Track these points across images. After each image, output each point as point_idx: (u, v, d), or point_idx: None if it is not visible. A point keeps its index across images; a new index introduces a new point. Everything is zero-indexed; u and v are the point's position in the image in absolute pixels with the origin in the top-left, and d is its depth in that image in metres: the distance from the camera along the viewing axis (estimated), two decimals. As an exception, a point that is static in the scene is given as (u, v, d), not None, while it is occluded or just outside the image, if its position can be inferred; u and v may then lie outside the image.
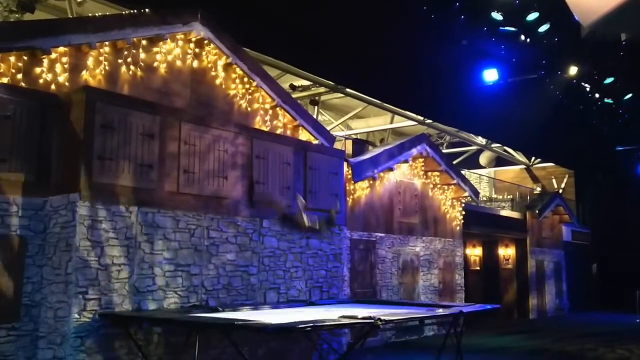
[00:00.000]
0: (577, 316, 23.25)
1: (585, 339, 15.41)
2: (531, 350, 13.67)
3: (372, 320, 7.22)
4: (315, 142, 12.55)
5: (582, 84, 16.30)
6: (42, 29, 8.77)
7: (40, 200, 8.37)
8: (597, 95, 16.78)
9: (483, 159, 28.37)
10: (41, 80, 8.76)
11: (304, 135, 12.51)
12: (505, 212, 22.23)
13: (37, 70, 8.75)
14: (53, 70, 8.90)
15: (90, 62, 9.30)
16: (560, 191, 26.82)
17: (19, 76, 8.53)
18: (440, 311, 9.33)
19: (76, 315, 7.74)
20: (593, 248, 28.13)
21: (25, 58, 8.62)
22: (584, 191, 28.26)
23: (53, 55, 8.86)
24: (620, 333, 17.19)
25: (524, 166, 28.88)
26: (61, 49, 8.93)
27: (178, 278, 9.03)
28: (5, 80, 8.39)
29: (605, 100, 17.08)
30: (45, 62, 8.81)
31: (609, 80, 15.87)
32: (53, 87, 8.85)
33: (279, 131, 12.06)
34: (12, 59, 8.49)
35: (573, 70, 15.36)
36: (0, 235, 7.96)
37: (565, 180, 28.24)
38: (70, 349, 7.67)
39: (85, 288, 7.88)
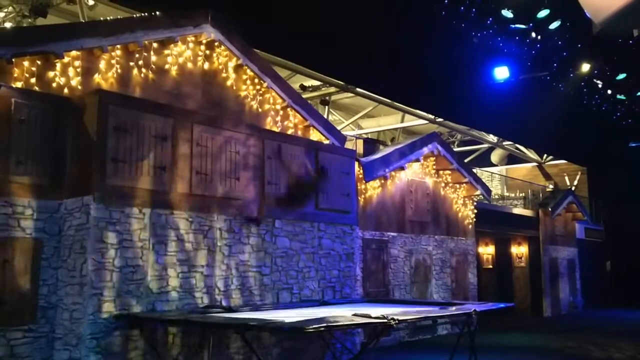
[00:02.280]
0: (592, 313, 23.08)
1: (608, 338, 15.25)
2: (548, 349, 13.59)
3: (386, 320, 7.22)
4: (326, 142, 12.56)
5: (595, 80, 16.21)
6: (54, 34, 8.85)
7: (54, 203, 8.45)
8: (609, 92, 16.67)
9: (495, 157, 28.23)
10: (54, 84, 8.85)
11: (314, 136, 12.52)
12: (518, 210, 22.12)
13: (51, 74, 8.84)
14: (66, 73, 8.98)
15: (102, 65, 9.38)
16: (573, 188, 26.62)
17: (33, 80, 8.63)
18: (454, 310, 9.31)
19: (91, 317, 7.80)
20: (607, 245, 27.92)
21: (39, 62, 8.71)
22: (597, 188, 28.04)
23: (66, 59, 8.94)
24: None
25: (536, 164, 28.71)
26: (74, 52, 9.01)
27: (192, 279, 9.08)
28: (19, 84, 8.49)
29: (618, 96, 16.97)
30: (59, 66, 8.90)
31: (621, 76, 15.76)
32: (66, 90, 8.94)
33: (290, 131, 12.08)
34: (26, 63, 8.58)
35: (585, 67, 15.26)
36: (16, 238, 8.05)
37: (577, 177, 28.05)
38: (86, 350, 7.73)
39: (100, 290, 7.94)
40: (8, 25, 13.07)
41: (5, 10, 13.30)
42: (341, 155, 12.16)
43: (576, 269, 24.82)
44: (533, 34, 13.40)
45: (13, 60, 8.37)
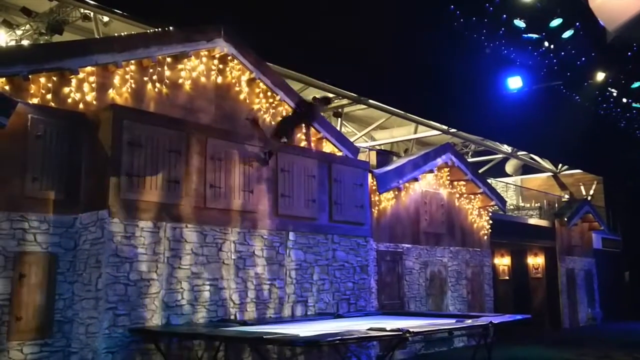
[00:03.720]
0: (612, 326, 22.69)
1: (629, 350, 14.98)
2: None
3: (401, 333, 7.17)
4: (339, 154, 12.56)
5: (610, 89, 16.09)
6: (70, 50, 8.98)
7: (70, 218, 8.52)
8: (625, 100, 16.54)
9: (509, 167, 28.05)
10: (70, 100, 8.96)
11: (328, 148, 12.53)
12: (534, 221, 21.91)
13: (66, 90, 8.95)
14: (81, 89, 9.09)
15: (116, 80, 9.48)
16: (589, 198, 26.36)
17: (49, 96, 8.75)
18: (470, 322, 9.22)
19: (107, 331, 7.82)
20: (625, 255, 27.52)
21: (55, 78, 8.83)
22: (613, 197, 27.71)
23: (81, 75, 9.06)
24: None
25: (551, 173, 28.47)
26: (89, 68, 9.12)
27: (206, 292, 9.08)
28: (35, 100, 8.60)
29: (634, 104, 16.83)
30: (74, 81, 9.02)
31: (636, 84, 15.62)
32: (81, 106, 9.04)
33: (303, 144, 12.10)
34: (42, 79, 8.71)
35: (600, 75, 15.15)
36: (32, 252, 8.12)
37: (593, 186, 27.74)
38: (101, 365, 7.74)
39: (115, 304, 7.96)
40: (25, 42, 13.30)
41: (23, 28, 13.54)
42: (354, 167, 12.15)
43: (594, 279, 24.48)
44: (546, 44, 13.34)
45: (29, 77, 8.49)
